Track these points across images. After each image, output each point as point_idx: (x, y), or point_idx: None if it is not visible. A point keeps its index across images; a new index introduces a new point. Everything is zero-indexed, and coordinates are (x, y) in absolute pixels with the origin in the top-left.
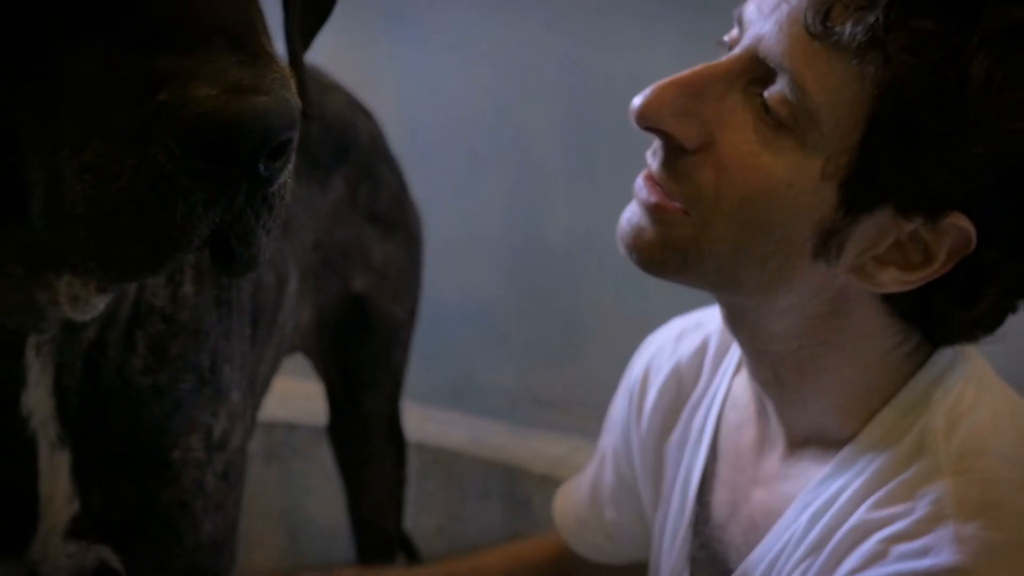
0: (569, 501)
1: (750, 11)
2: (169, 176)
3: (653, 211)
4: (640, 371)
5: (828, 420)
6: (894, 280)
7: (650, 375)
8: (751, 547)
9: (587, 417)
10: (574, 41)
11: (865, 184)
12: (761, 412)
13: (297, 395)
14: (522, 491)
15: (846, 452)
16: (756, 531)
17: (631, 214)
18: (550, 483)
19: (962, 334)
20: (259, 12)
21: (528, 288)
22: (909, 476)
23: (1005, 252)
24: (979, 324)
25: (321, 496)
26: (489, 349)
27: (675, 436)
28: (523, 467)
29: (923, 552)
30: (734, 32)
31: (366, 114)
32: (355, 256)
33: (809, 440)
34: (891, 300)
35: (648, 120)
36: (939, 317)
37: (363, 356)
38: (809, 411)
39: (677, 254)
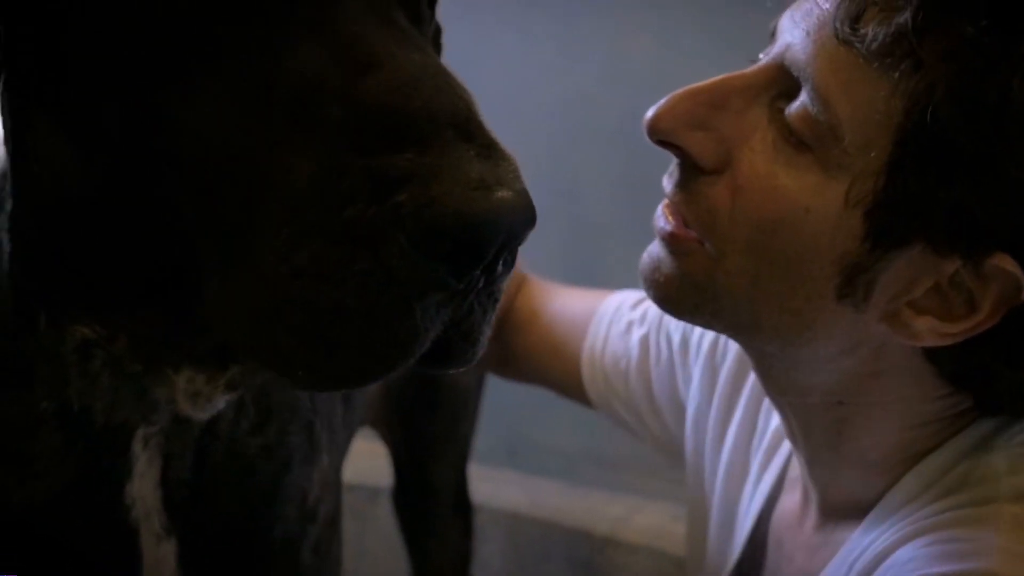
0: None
1: (784, 21)
2: (404, 280)
3: (669, 241)
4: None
5: (864, 484)
6: (931, 331)
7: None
8: None
9: (647, 477)
10: (631, 92)
11: (893, 213)
12: (803, 476)
13: (353, 454)
14: (582, 553)
15: (886, 501)
16: None
17: (652, 247)
18: (611, 545)
19: (1014, 401)
20: (473, 96)
21: None
22: (959, 511)
23: None
24: None
25: (377, 558)
26: (545, 407)
27: (735, 419)
28: (583, 528)
29: (957, 555)
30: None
31: None
32: None
33: (844, 508)
34: (935, 359)
35: (661, 132)
36: (985, 378)
37: (431, 428)
38: (844, 474)
39: (693, 290)
